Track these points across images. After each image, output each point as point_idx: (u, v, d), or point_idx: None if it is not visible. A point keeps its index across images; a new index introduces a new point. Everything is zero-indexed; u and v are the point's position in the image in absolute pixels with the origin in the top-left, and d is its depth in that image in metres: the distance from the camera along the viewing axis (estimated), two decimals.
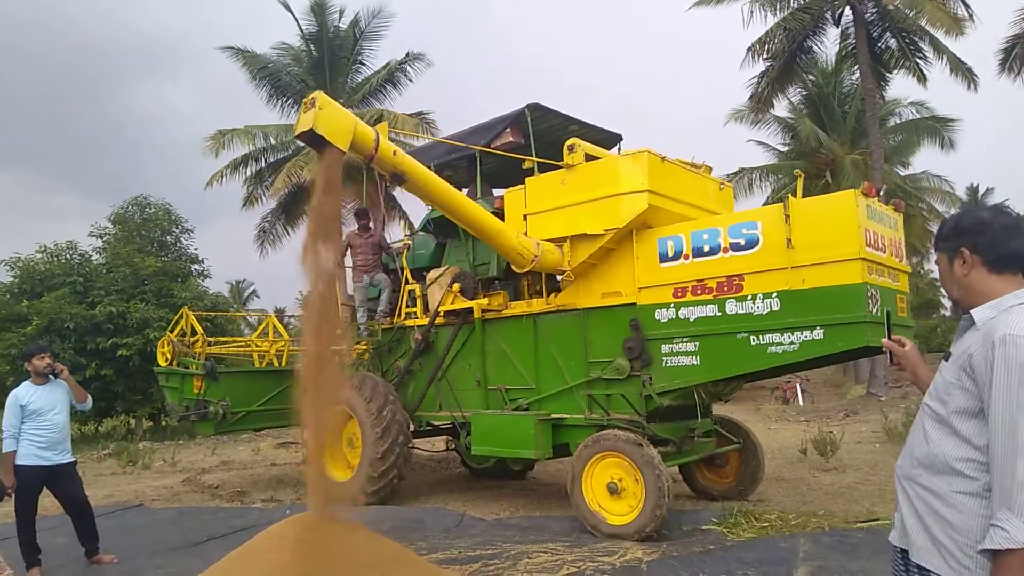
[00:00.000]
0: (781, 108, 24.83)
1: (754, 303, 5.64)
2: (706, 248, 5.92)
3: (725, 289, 5.78)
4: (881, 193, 6.27)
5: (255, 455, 14.07)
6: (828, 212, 5.44)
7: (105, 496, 9.01)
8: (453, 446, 9.80)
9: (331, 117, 4.78)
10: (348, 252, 8.91)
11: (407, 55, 22.67)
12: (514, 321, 7.31)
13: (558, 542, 5.76)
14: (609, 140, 7.94)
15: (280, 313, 12.48)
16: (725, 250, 5.81)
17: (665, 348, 6.14)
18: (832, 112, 25.02)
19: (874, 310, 5.28)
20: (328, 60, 21.91)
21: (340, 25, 22.37)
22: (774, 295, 5.54)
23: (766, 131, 25.86)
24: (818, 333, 5.34)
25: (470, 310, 7.47)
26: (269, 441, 15.94)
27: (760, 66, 22.13)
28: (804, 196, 5.72)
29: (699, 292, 5.94)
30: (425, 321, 7.99)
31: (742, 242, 5.73)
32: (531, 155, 7.01)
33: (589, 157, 6.62)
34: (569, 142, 6.60)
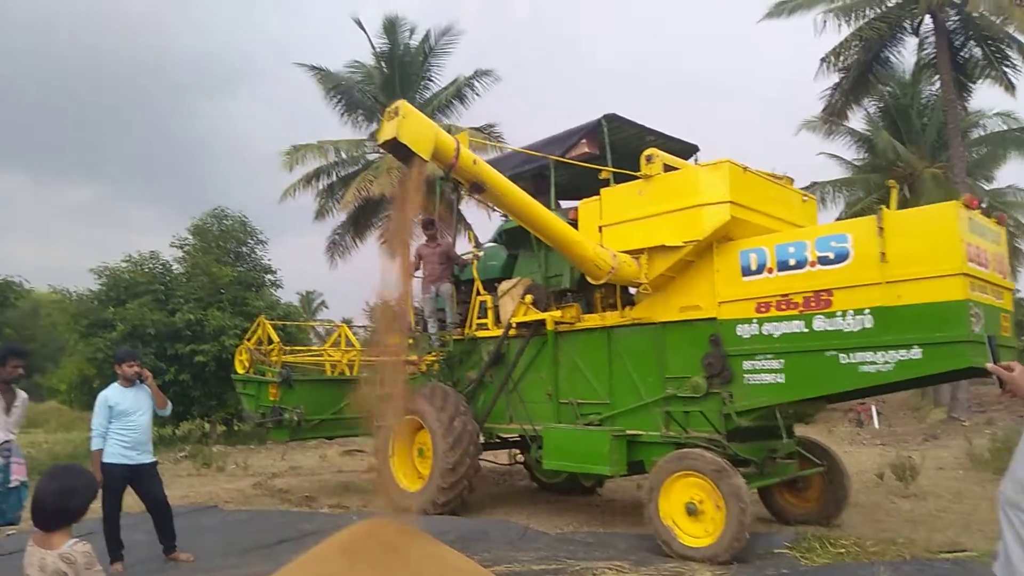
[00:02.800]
0: (855, 120, 24.06)
1: (844, 319, 5.39)
2: (792, 262, 5.71)
3: (812, 304, 5.55)
4: (983, 205, 5.94)
5: (322, 461, 14.33)
6: (927, 224, 5.18)
7: (181, 496, 9.28)
8: (521, 459, 9.74)
9: (413, 126, 4.81)
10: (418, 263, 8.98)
11: (475, 71, 23.01)
12: (587, 334, 7.21)
13: (624, 560, 5.59)
14: (685, 151, 7.79)
15: (348, 323, 12.71)
16: (812, 264, 5.59)
17: (747, 365, 5.94)
18: (910, 124, 24.05)
19: (977, 329, 4.98)
20: (399, 77, 22.38)
21: (411, 43, 22.84)
22: (866, 311, 5.29)
23: (839, 143, 25.06)
24: (916, 352, 5.06)
25: (542, 322, 7.41)
26: (335, 448, 16.21)
27: (834, 77, 21.53)
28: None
29: (784, 307, 5.72)
30: (497, 332, 7.97)
31: (831, 256, 5.50)
32: (607, 166, 6.93)
33: (668, 168, 6.49)
34: (647, 152, 6.50)
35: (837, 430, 19.22)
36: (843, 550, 5.66)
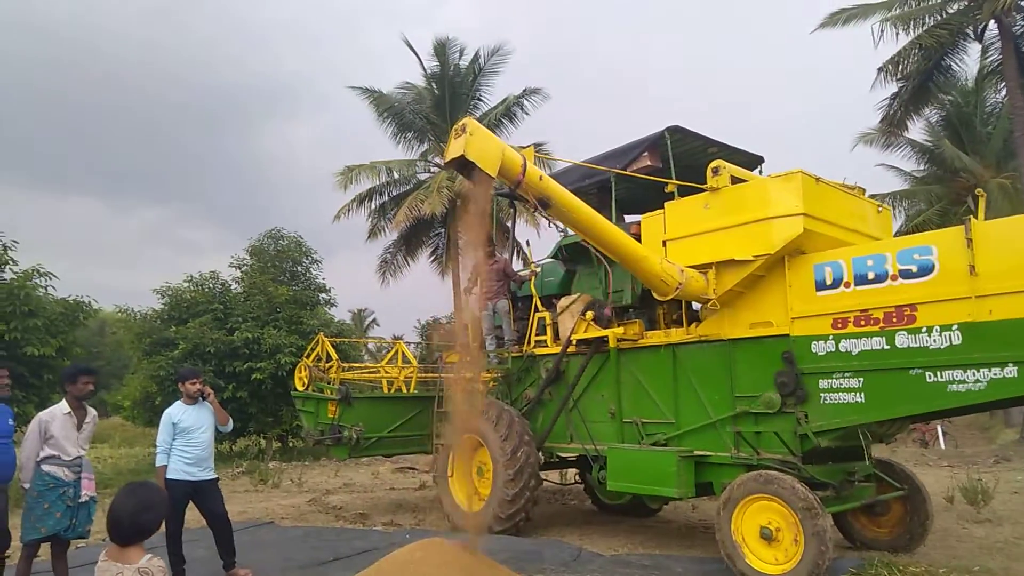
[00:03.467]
0: (915, 130, 23.34)
1: (930, 336, 5.13)
2: (871, 275, 5.47)
3: (894, 320, 5.30)
4: None
5: (374, 479, 14.38)
6: (1021, 235, 4.89)
7: (239, 512, 9.39)
8: (579, 479, 9.57)
9: (481, 143, 4.79)
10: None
11: (524, 90, 23.16)
12: (651, 351, 7.04)
13: None
14: (751, 163, 7.60)
15: (398, 340, 12.79)
16: (894, 277, 5.34)
17: (823, 384, 5.69)
18: (974, 133, 23.22)
19: None
20: (449, 97, 22.64)
21: (461, 63, 23.12)
22: (954, 327, 5.02)
23: (897, 155, 24.33)
24: (1010, 371, 4.76)
25: (603, 339, 7.28)
26: (387, 466, 16.28)
27: (892, 87, 20.93)
28: (943, 225, 5.19)
29: (863, 323, 5.48)
30: (556, 349, 7.86)
31: (914, 269, 5.25)
32: (670, 179, 6.79)
33: (735, 180, 6.33)
34: (713, 164, 6.35)
35: (900, 451, 18.43)
36: None
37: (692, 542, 7.49)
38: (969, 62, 21.07)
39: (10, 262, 14.42)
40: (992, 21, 19.09)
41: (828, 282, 5.70)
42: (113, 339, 27.60)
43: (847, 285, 5.59)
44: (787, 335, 5.92)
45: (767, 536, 5.48)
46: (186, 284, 19.27)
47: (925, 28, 19.57)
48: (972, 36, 20.07)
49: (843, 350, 5.58)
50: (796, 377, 5.80)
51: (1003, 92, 20.64)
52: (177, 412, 5.97)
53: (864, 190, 6.88)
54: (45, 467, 5.21)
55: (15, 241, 14.59)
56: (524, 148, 5.41)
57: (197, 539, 6.40)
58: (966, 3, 19.34)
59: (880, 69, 20.41)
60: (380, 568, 4.13)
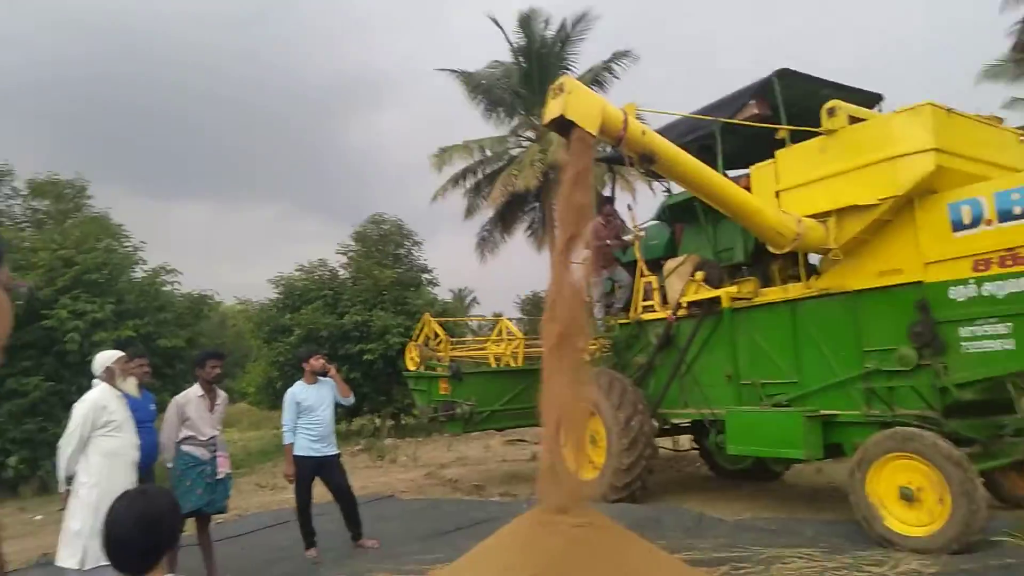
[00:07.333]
0: None
1: None
2: (1017, 210, 4.95)
3: None
4: None
5: (486, 452, 14.62)
6: None
7: (361, 487, 9.76)
8: (695, 445, 9.34)
9: (579, 101, 4.63)
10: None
11: (613, 54, 22.60)
12: (767, 309, 6.72)
13: (813, 548, 5.13)
14: (868, 101, 7.03)
15: (498, 317, 12.88)
16: None
17: (964, 332, 5.24)
18: None
19: None
20: (537, 69, 22.44)
21: (546, 34, 22.84)
22: None
23: None
24: None
25: (716, 300, 7.01)
26: (498, 439, 16.50)
27: None
28: None
29: (1010, 263, 4.97)
30: (664, 314, 7.65)
31: None
32: (781, 126, 6.40)
33: (853, 120, 5.88)
34: (828, 105, 5.92)
35: None
36: None
37: (821, 505, 7.15)
38: None
39: (139, 261, 15.55)
40: None
41: (966, 221, 5.22)
42: (234, 330, 29.37)
43: (988, 223, 5.09)
44: (920, 282, 5.48)
45: (908, 497, 5.13)
46: (298, 273, 20.17)
47: None
48: None
49: (987, 294, 5.10)
50: (933, 326, 5.37)
51: None
52: (299, 391, 6.22)
53: (1002, 119, 6.25)
54: (184, 447, 5.57)
55: (143, 242, 15.72)
56: (625, 105, 5.21)
57: (324, 513, 6.71)
58: None
59: None
60: (500, 539, 4.14)
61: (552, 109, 4.64)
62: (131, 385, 5.30)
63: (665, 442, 9.64)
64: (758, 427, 6.34)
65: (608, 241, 8.48)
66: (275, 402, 18.06)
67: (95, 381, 4.94)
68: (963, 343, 5.26)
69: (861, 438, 5.62)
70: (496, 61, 23.77)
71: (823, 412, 6.07)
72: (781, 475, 8.59)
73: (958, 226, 5.26)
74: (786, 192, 6.19)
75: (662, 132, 7.91)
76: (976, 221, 5.16)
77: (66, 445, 4.65)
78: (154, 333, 14.14)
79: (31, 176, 16.18)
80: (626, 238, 8.69)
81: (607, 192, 9.40)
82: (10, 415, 12.28)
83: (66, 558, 4.47)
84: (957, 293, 5.28)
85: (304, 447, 6.11)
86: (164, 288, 15.47)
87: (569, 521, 3.92)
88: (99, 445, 4.68)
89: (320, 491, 6.29)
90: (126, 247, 15.35)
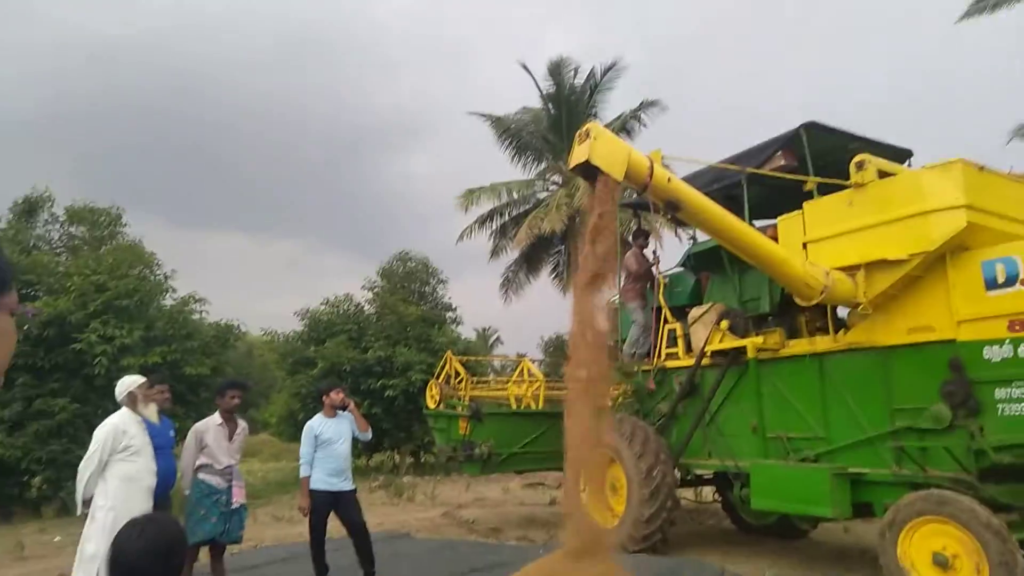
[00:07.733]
0: None
1: None
2: None
3: None
4: None
5: (505, 494, 14.44)
6: None
7: (376, 524, 9.68)
8: (718, 497, 9.12)
9: (605, 147, 4.69)
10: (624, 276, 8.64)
11: (641, 103, 22.84)
12: (794, 361, 6.61)
13: None
14: (898, 157, 7.00)
15: (521, 357, 12.81)
16: None
17: (1001, 393, 5.09)
18: None
19: None
20: (566, 116, 22.74)
21: (576, 82, 23.19)
22: None
23: None
24: None
25: (741, 350, 6.92)
26: (518, 481, 16.27)
27: None
28: None
29: None
30: (688, 362, 7.56)
31: None
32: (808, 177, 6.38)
33: (882, 174, 5.85)
34: (858, 158, 5.90)
35: None
36: None
37: (848, 565, 6.92)
38: None
39: (170, 290, 15.82)
40: None
41: (1000, 280, 5.12)
42: (260, 361, 29.59)
43: None
44: (953, 340, 5.37)
45: (942, 563, 4.95)
46: (323, 307, 20.36)
47: None
48: None
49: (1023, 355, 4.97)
50: (967, 386, 5.23)
51: None
52: (318, 424, 6.20)
53: None
54: (200, 475, 5.58)
55: (173, 270, 16.00)
56: (651, 152, 5.24)
57: (338, 548, 6.63)
58: None
59: None
60: None
61: (578, 155, 4.69)
62: (151, 411, 5.36)
63: (687, 493, 9.44)
64: (784, 482, 6.18)
65: (643, 270, 8.43)
66: (295, 434, 18.06)
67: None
68: (999, 404, 5.11)
69: (891, 498, 5.47)
70: (526, 107, 24.18)
71: (851, 470, 5.90)
72: (807, 533, 8.34)
73: (992, 284, 5.16)
74: (814, 244, 6.14)
75: (688, 180, 7.97)
76: (1011, 280, 5.06)
77: (85, 468, 4.70)
78: (180, 360, 14.27)
79: (69, 203, 16.64)
80: (655, 272, 8.61)
81: (635, 233, 9.36)
82: (36, 435, 12.42)
83: None
84: (992, 353, 5.15)
85: (320, 480, 6.07)
86: (192, 316, 15.68)
87: (586, 569, 3.83)
88: (117, 469, 4.72)
89: (335, 525, 6.23)
90: (157, 275, 15.64)
